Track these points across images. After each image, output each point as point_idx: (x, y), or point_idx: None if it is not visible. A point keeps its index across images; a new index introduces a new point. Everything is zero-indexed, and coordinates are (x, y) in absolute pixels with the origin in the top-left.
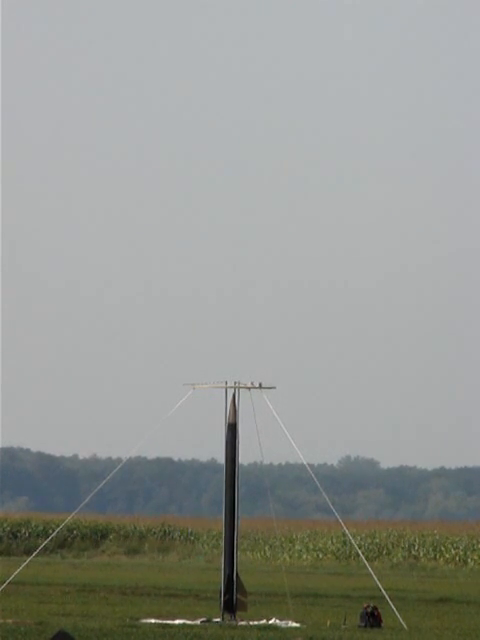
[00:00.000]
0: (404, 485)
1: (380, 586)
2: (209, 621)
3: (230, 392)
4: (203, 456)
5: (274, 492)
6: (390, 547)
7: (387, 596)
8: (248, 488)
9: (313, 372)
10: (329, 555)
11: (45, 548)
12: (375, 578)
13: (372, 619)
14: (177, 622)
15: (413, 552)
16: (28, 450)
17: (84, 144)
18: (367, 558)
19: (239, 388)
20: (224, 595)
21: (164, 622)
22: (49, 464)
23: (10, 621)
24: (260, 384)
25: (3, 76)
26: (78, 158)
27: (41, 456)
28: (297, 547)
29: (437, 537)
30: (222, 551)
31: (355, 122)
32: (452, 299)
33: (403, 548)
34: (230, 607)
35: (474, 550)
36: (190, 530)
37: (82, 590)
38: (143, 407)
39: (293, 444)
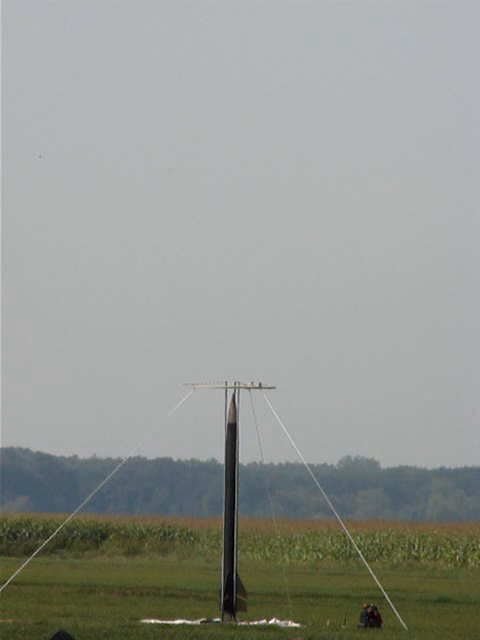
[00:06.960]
0: (404, 485)
1: (380, 586)
2: (209, 621)
3: (230, 392)
4: (203, 456)
5: (274, 492)
6: (390, 547)
7: (387, 596)
8: (248, 488)
9: (313, 372)
10: (329, 555)
11: (45, 548)
12: (375, 578)
13: (372, 619)
14: (177, 622)
15: (413, 552)
16: (28, 450)
17: (84, 144)
18: (367, 558)
19: (239, 388)
20: (224, 595)
21: (164, 622)
22: (49, 464)
23: (10, 621)
24: (260, 384)
25: (3, 76)
26: (78, 158)
27: (41, 456)
28: (297, 547)
29: (437, 537)
30: (222, 551)
31: (355, 122)
32: (452, 299)
33: (403, 548)
34: (230, 607)
35: (474, 550)
36: (190, 530)
37: (82, 590)
38: (143, 407)
39: (293, 444)
